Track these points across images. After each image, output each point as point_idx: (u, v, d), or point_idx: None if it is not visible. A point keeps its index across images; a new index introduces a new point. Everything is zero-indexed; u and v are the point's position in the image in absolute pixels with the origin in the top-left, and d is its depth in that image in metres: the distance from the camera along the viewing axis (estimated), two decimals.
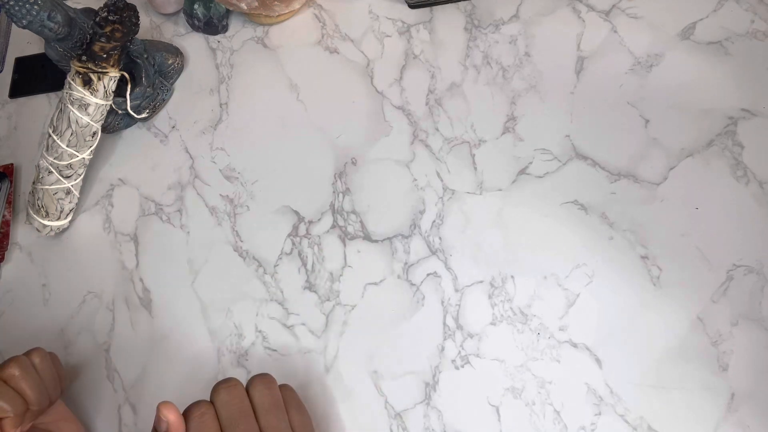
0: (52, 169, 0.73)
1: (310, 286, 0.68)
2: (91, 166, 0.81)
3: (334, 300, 0.67)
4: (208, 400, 0.48)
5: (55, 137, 0.71)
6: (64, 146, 0.71)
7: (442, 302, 0.64)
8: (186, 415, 0.46)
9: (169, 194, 0.78)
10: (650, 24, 0.73)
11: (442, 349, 0.62)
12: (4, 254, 0.79)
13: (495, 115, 0.72)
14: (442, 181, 0.70)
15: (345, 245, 0.69)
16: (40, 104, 0.91)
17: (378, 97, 0.78)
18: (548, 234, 0.64)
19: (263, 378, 0.51)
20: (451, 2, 0.81)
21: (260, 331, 0.67)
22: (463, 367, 0.60)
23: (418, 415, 0.59)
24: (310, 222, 0.72)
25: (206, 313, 0.69)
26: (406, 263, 0.67)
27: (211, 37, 0.89)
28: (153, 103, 0.83)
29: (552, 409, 0.57)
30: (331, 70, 0.81)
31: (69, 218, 0.77)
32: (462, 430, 0.58)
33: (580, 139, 0.69)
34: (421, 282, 0.65)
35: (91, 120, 0.72)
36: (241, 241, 0.73)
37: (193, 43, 0.90)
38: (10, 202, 0.82)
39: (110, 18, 0.69)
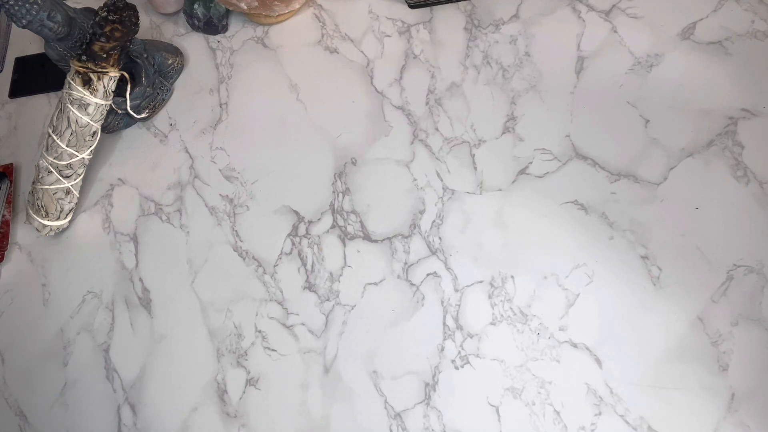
0: (52, 169, 0.73)
1: (309, 286, 0.68)
2: (91, 166, 0.81)
3: (334, 300, 0.67)
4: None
5: (54, 137, 0.71)
6: (63, 146, 0.71)
7: (442, 302, 0.64)
8: None
9: (169, 194, 0.78)
10: (650, 24, 0.73)
11: (442, 349, 0.62)
12: (3, 254, 0.78)
13: (495, 115, 0.72)
14: (442, 181, 0.70)
15: (345, 245, 0.69)
16: (40, 104, 0.91)
17: (378, 97, 0.78)
18: (548, 234, 0.64)
19: None
20: (451, 2, 0.81)
21: (260, 331, 0.67)
22: (463, 367, 0.60)
23: (418, 415, 0.59)
24: (310, 222, 0.72)
25: (206, 313, 0.69)
26: (405, 263, 0.67)
27: (211, 37, 0.89)
28: (153, 103, 0.83)
29: (552, 410, 0.57)
30: (331, 70, 0.81)
31: (68, 218, 0.77)
32: (462, 430, 0.58)
33: (580, 139, 0.69)
34: (421, 282, 0.65)
35: (90, 120, 0.72)
36: (241, 241, 0.73)
37: (193, 43, 0.90)
38: (10, 202, 0.82)
39: (110, 18, 0.69)
